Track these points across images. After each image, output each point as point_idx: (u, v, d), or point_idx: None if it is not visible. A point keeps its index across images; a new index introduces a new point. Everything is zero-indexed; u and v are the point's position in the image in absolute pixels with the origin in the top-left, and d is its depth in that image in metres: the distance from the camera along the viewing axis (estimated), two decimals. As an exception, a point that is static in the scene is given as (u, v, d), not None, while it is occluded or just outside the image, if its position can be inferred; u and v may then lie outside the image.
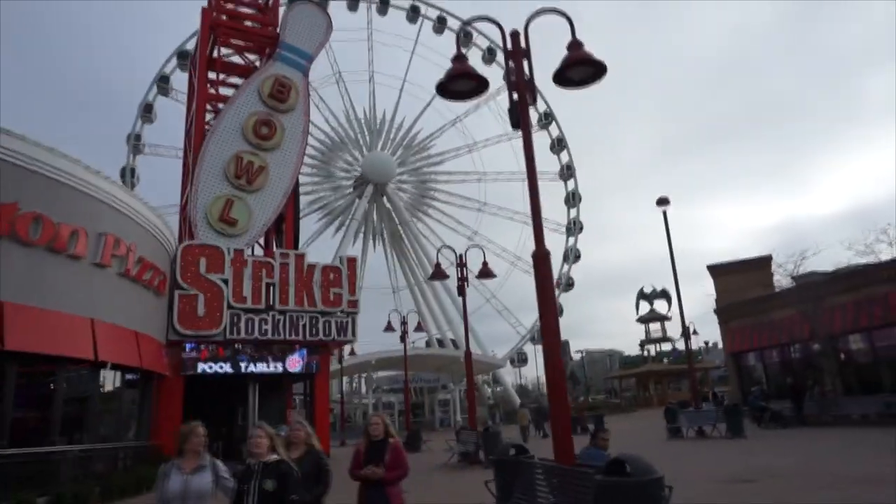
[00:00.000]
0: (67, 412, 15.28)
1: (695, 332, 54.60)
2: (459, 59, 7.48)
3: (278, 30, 29.33)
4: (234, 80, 29.55)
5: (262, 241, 27.41)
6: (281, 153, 26.85)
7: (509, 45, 7.40)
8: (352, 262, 27.79)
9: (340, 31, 45.81)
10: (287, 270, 24.73)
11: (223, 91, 29.28)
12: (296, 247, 27.77)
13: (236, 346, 23.33)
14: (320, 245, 57.93)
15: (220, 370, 22.81)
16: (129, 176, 48.78)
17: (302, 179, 47.16)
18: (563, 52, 7.14)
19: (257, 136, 26.36)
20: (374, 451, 5.77)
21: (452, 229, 59.40)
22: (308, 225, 54.54)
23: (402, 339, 32.37)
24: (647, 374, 67.24)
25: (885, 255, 23.97)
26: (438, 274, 21.11)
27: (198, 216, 24.53)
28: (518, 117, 7.25)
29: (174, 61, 49.57)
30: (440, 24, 54.44)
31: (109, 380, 17.19)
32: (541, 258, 6.91)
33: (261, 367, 23.68)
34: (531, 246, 6.98)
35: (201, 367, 22.43)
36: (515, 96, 7.23)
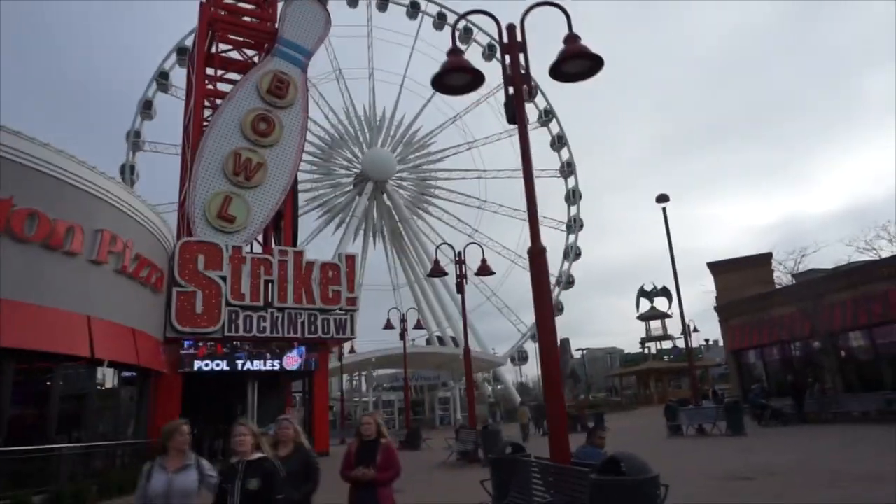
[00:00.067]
0: (65, 409, 15.25)
1: (695, 330, 54.60)
2: (455, 52, 7.42)
3: (276, 25, 29.25)
4: (233, 75, 29.46)
5: (260, 238, 27.35)
6: (279, 149, 26.77)
7: (505, 39, 7.33)
8: (351, 259, 27.72)
9: (340, 27, 45.80)
10: (286, 268, 24.67)
11: (221, 87, 29.19)
12: (294, 244, 27.70)
13: (234, 343, 23.27)
14: (320, 242, 57.87)
15: (216, 367, 22.76)
16: (128, 173, 48.63)
17: (302, 176, 47.26)
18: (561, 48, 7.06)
19: (256, 133, 26.28)
20: (365, 452, 5.67)
21: (452, 227, 59.29)
22: (308, 222, 54.54)
23: (402, 336, 32.28)
24: (647, 371, 67.14)
25: (886, 253, 23.93)
26: (437, 271, 21.04)
27: (196, 212, 24.46)
28: (514, 111, 7.17)
29: (174, 57, 49.36)
30: (440, 21, 54.26)
31: (107, 377, 17.14)
32: (536, 254, 6.82)
33: (257, 365, 23.62)
34: (531, 243, 6.89)
35: (198, 364, 22.38)
36: (511, 90, 7.16)
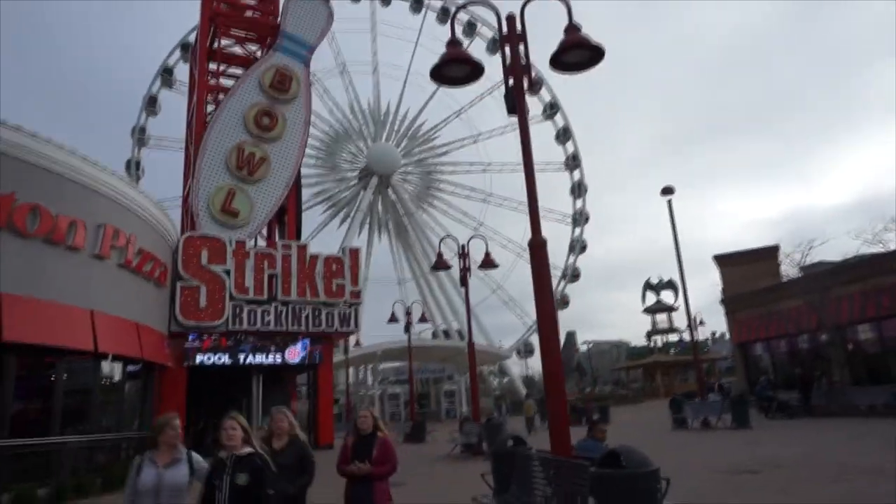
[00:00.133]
0: (68, 403, 15.25)
1: (701, 323, 54.43)
2: (454, 44, 7.35)
3: (279, 20, 29.13)
4: (235, 70, 29.44)
5: (264, 232, 27.37)
6: (282, 144, 26.74)
7: (505, 29, 7.25)
8: (354, 253, 27.70)
9: (344, 21, 45.68)
10: (289, 261, 24.66)
11: (224, 82, 29.18)
12: (298, 238, 27.71)
13: (239, 336, 23.30)
14: (325, 237, 57.88)
15: (218, 361, 22.80)
16: (134, 169, 48.73)
17: (306, 171, 47.20)
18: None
19: (258, 127, 26.24)
20: (362, 446, 5.63)
21: (458, 220, 59.22)
22: (313, 217, 54.56)
23: (407, 329, 32.25)
24: (653, 365, 66.98)
25: (893, 245, 23.75)
26: (440, 264, 20.96)
27: (200, 207, 24.48)
28: (514, 102, 7.10)
29: (178, 53, 49.38)
30: (444, 15, 53.97)
31: (111, 371, 17.16)
32: (537, 247, 6.75)
33: (260, 359, 23.65)
34: (537, 236, 6.80)
35: (200, 357, 22.42)
36: (511, 81, 7.08)
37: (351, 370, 52.15)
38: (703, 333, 62.31)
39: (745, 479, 10.80)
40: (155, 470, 4.09)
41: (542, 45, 7.09)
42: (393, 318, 30.25)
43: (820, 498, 8.75)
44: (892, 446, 12.41)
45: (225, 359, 22.91)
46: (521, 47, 7.20)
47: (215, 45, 28.83)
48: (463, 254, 20.96)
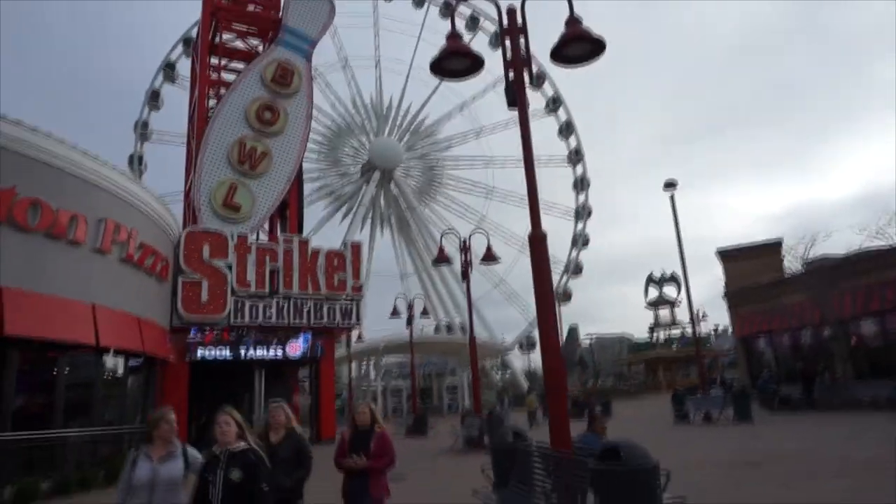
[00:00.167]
0: (71, 397, 15.29)
1: (704, 317, 54.31)
2: (454, 37, 7.32)
3: (280, 14, 29.05)
4: (237, 65, 29.38)
5: (266, 226, 27.35)
6: (284, 138, 26.71)
7: (505, 22, 7.21)
8: (356, 247, 27.72)
9: (346, 16, 45.50)
10: (291, 256, 24.67)
11: (226, 76, 29.14)
12: (300, 232, 27.71)
13: (241, 331, 23.34)
14: (328, 232, 57.79)
15: (220, 355, 22.84)
16: (136, 163, 48.76)
17: (309, 166, 47.23)
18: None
19: (260, 122, 26.22)
20: (359, 440, 5.63)
21: (460, 215, 59.16)
22: (316, 211, 54.57)
23: (409, 323, 32.26)
24: (656, 359, 66.97)
25: (897, 239, 23.62)
26: (442, 258, 20.94)
27: (201, 201, 24.48)
28: (514, 95, 7.06)
29: (180, 48, 49.33)
30: (446, 9, 53.78)
31: (113, 365, 17.19)
32: (537, 241, 6.72)
33: (261, 353, 23.69)
34: (540, 231, 6.77)
35: (201, 352, 22.46)
36: (511, 74, 7.05)
37: (353, 364, 52.28)
38: (705, 328, 62.18)
39: (746, 472, 10.79)
40: (150, 464, 4.08)
41: (545, 39, 7.04)
42: (395, 313, 30.27)
43: (822, 492, 8.73)
44: (894, 440, 12.38)
45: (227, 353, 22.95)
46: (522, 41, 7.17)
47: (217, 39, 28.77)
48: (465, 248, 20.95)
